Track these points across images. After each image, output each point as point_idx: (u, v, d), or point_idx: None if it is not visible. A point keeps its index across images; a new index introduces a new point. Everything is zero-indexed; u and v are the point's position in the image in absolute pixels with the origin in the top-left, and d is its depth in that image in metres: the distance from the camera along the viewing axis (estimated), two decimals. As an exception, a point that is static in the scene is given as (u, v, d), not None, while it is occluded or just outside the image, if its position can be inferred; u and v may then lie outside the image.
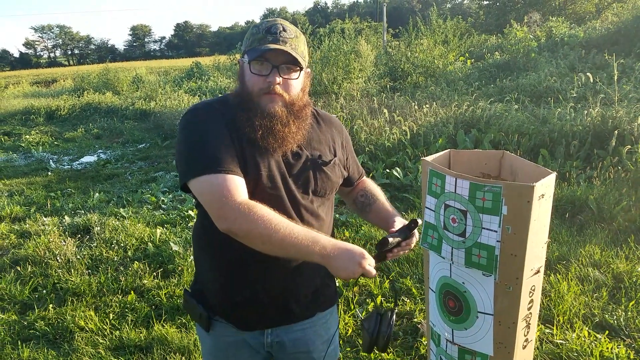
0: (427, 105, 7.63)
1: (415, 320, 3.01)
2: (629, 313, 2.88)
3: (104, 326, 3.14)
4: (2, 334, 3.12)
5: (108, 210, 5.33)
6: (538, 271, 1.42)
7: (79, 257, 4.14)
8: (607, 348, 2.56)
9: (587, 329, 2.76)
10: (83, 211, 5.40)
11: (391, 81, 11.44)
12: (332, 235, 1.54)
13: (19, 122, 13.76)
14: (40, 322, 3.22)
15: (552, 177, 1.37)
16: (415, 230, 1.45)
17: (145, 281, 3.66)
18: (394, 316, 1.33)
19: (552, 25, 14.76)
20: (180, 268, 3.82)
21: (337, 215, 4.70)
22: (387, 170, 5.74)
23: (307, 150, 1.43)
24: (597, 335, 2.69)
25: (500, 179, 1.65)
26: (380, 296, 3.27)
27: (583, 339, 2.66)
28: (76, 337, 3.04)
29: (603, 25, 13.85)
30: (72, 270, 3.90)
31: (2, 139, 11.30)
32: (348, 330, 2.97)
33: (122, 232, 4.58)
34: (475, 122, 6.58)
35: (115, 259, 4.10)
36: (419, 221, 1.42)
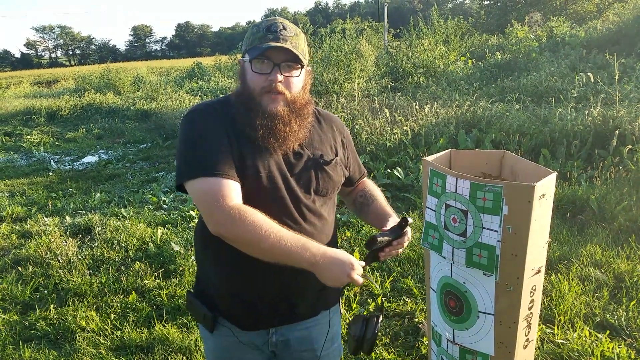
0: (428, 105, 7.63)
1: (416, 320, 3.01)
2: (630, 313, 2.88)
3: (105, 326, 3.14)
4: (4, 334, 3.13)
5: (109, 211, 5.34)
6: (539, 271, 1.42)
7: (80, 257, 4.14)
8: (608, 348, 2.56)
9: (588, 328, 2.76)
10: (84, 211, 5.41)
11: (392, 81, 11.43)
12: (335, 235, 1.55)
13: (20, 122, 13.78)
14: (42, 322, 3.23)
15: (552, 177, 1.37)
16: (408, 229, 1.44)
17: (147, 281, 3.67)
18: (380, 321, 1.34)
19: (553, 25, 14.75)
20: (181, 268, 3.82)
21: (338, 216, 4.70)
22: (388, 170, 5.73)
23: (308, 150, 1.43)
24: (598, 335, 2.69)
25: (501, 179, 1.65)
26: (381, 296, 3.26)
27: (584, 338, 2.66)
28: (77, 337, 3.04)
29: (604, 25, 13.84)
30: (74, 270, 3.90)
31: (4, 140, 11.31)
32: (349, 330, 2.96)
33: (124, 232, 4.58)
34: (477, 122, 6.57)
35: (117, 259, 4.11)
36: (410, 220, 1.41)
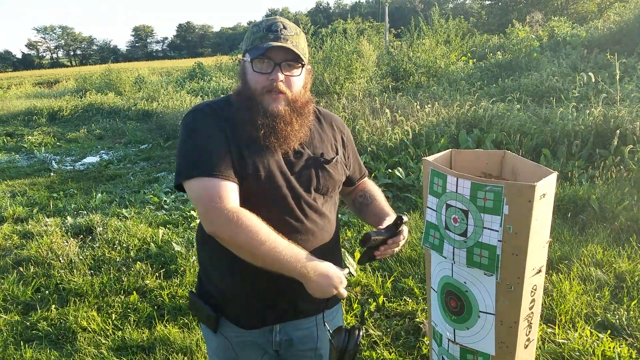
0: (429, 105, 7.62)
1: (417, 320, 3.01)
2: (631, 312, 2.88)
3: (106, 326, 3.15)
4: (5, 334, 3.13)
5: (110, 211, 5.35)
6: (539, 271, 1.42)
7: (81, 257, 4.15)
8: (609, 347, 2.56)
9: (589, 328, 2.76)
10: (85, 212, 5.42)
11: (393, 81, 11.43)
12: (337, 234, 1.55)
13: (22, 123, 13.80)
14: (43, 322, 3.23)
15: (553, 177, 1.37)
16: (405, 228, 1.44)
17: (148, 281, 3.67)
18: (361, 333, 1.36)
19: (554, 25, 14.74)
20: (182, 268, 3.83)
21: (339, 216, 4.69)
22: (389, 170, 5.73)
23: (309, 149, 1.44)
24: (599, 335, 2.69)
25: (502, 178, 1.65)
26: (382, 296, 3.26)
27: (585, 338, 2.66)
28: (79, 337, 3.05)
29: (605, 24, 13.82)
30: (75, 270, 3.91)
31: (5, 140, 11.32)
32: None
33: (125, 232, 4.59)
34: (477, 122, 6.57)
35: (118, 260, 4.11)
36: (405, 218, 1.41)
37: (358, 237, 4.25)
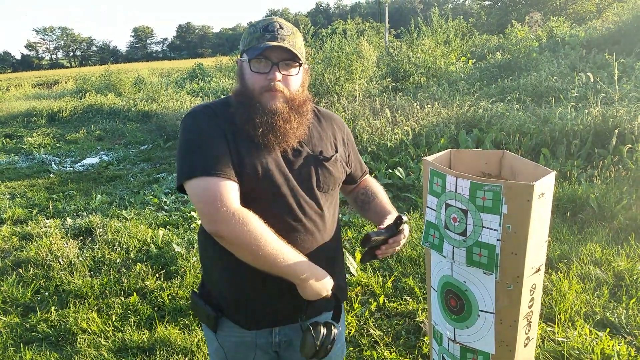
0: (429, 106, 7.63)
1: (417, 319, 3.01)
2: (630, 311, 2.88)
3: (106, 328, 3.15)
4: (5, 336, 3.13)
5: (110, 212, 5.35)
6: (539, 269, 1.43)
7: (81, 259, 4.15)
8: (608, 346, 2.56)
9: (588, 326, 2.77)
10: (85, 213, 5.42)
11: (393, 81, 11.43)
12: (338, 232, 1.56)
13: (21, 124, 13.79)
14: (43, 324, 3.23)
15: (551, 176, 1.38)
16: (406, 227, 1.45)
17: (148, 283, 3.67)
18: (336, 331, 1.39)
19: (553, 25, 14.77)
20: (182, 269, 3.83)
21: (340, 216, 4.70)
22: (390, 171, 5.74)
23: (307, 147, 1.44)
24: (598, 333, 2.70)
25: (501, 178, 1.66)
26: (383, 296, 3.27)
27: (584, 336, 2.66)
28: (79, 339, 3.05)
29: (604, 25, 13.86)
30: (75, 272, 3.91)
31: (4, 141, 11.32)
32: (351, 330, 2.97)
33: (125, 233, 4.59)
34: (477, 122, 6.58)
35: (118, 261, 4.11)
36: (405, 217, 1.43)
37: (358, 237, 4.25)
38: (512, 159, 1.63)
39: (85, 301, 3.50)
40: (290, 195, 1.38)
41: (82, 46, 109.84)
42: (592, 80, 6.78)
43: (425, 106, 7.67)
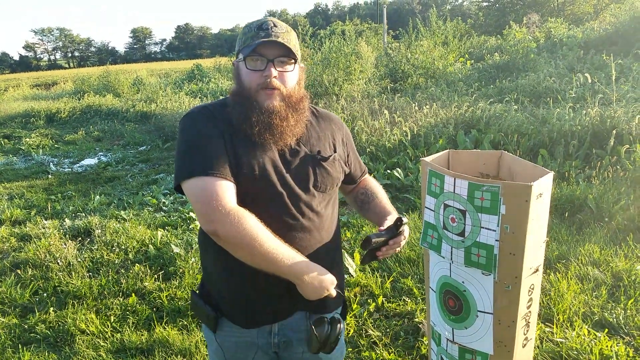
0: (427, 106, 7.64)
1: (416, 320, 3.01)
2: (628, 311, 2.89)
3: (105, 329, 3.15)
4: (3, 337, 3.13)
5: (109, 213, 5.34)
6: (537, 270, 1.43)
7: (79, 260, 4.15)
8: (607, 346, 2.57)
9: (586, 327, 2.77)
10: (84, 214, 5.41)
11: (391, 82, 11.45)
12: (337, 233, 1.56)
13: (19, 125, 13.77)
14: (41, 325, 3.23)
15: (549, 177, 1.38)
16: (406, 228, 1.46)
17: (147, 283, 3.67)
18: (342, 326, 1.39)
19: (551, 26, 14.79)
20: (181, 270, 3.83)
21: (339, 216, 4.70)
22: (388, 171, 5.75)
23: (305, 147, 1.44)
24: (597, 334, 2.70)
25: (499, 178, 1.66)
26: (381, 296, 3.27)
27: (583, 337, 2.66)
28: (77, 340, 3.05)
29: (601, 26, 13.89)
30: (73, 273, 3.91)
31: (2, 142, 11.30)
32: (350, 330, 2.97)
33: (123, 234, 4.58)
34: (475, 122, 6.59)
35: (116, 262, 4.11)
36: (405, 219, 1.43)
37: (357, 238, 4.26)
38: (510, 159, 1.63)
39: (84, 302, 3.50)
40: (287, 194, 1.38)
41: (81, 47, 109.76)
42: (589, 81, 6.80)
43: (424, 107, 7.68)
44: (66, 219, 5.16)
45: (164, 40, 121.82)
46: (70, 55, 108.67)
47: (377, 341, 2.86)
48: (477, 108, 7.00)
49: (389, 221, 1.50)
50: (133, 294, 3.54)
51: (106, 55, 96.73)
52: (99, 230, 4.72)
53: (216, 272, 1.47)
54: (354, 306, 3.21)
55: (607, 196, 4.25)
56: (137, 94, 16.86)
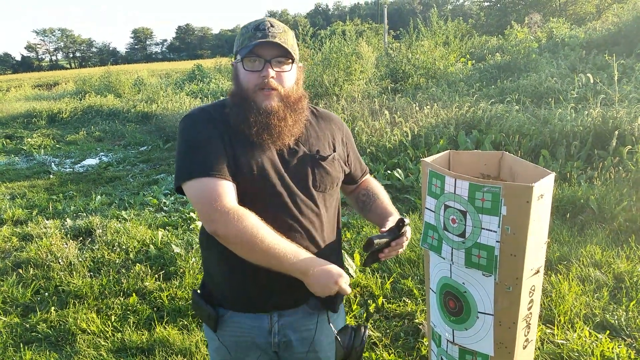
0: (428, 107, 7.63)
1: (416, 321, 3.01)
2: (630, 313, 2.88)
3: (105, 328, 3.15)
4: (5, 336, 3.13)
5: (110, 213, 5.35)
6: (538, 271, 1.42)
7: (80, 259, 4.15)
8: (608, 348, 2.56)
9: (588, 329, 2.76)
10: (85, 214, 5.42)
11: (392, 83, 11.44)
12: (338, 233, 1.55)
13: (21, 125, 13.80)
14: (42, 324, 3.23)
15: (551, 178, 1.38)
16: (408, 229, 1.45)
17: (147, 283, 3.67)
18: (367, 331, 1.36)
19: (553, 26, 14.78)
20: (181, 270, 3.83)
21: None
22: (389, 172, 5.74)
23: (304, 147, 1.44)
24: (598, 335, 2.69)
25: (500, 179, 1.66)
26: (381, 297, 3.27)
27: (584, 339, 2.66)
28: (78, 339, 3.05)
29: (603, 26, 13.86)
30: (74, 272, 3.91)
31: (4, 142, 11.32)
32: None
33: (124, 234, 4.59)
34: (476, 123, 6.58)
35: (117, 262, 4.11)
36: (407, 220, 1.42)
37: (357, 239, 4.25)
38: (512, 160, 1.63)
39: (85, 301, 3.50)
40: (286, 194, 1.38)
41: (82, 47, 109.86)
42: (591, 81, 6.79)
43: (425, 107, 7.67)
44: (67, 219, 5.16)
45: (165, 40, 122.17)
46: (71, 55, 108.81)
47: (377, 342, 2.86)
48: (478, 108, 6.99)
49: (391, 222, 1.49)
50: (134, 294, 3.54)
51: (107, 56, 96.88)
52: (100, 230, 4.73)
53: (219, 270, 1.47)
54: (354, 307, 3.21)
55: (609, 197, 4.24)
56: (138, 95, 16.88)
